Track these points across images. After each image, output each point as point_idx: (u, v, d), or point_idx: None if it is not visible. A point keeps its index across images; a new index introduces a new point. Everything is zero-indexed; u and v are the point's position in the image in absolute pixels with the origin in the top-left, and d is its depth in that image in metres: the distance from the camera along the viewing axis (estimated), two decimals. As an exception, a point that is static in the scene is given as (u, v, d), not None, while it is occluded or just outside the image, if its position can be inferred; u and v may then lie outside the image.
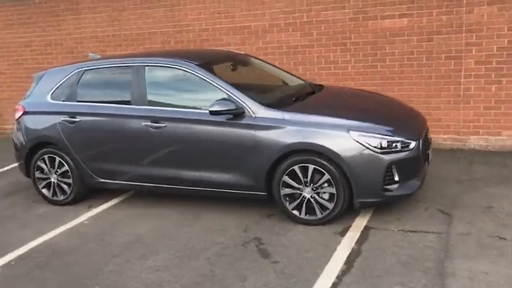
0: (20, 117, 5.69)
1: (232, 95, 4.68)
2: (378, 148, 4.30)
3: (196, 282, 3.75)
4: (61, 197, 5.57)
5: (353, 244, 4.16)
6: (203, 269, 3.95)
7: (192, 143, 4.83)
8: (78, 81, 5.41)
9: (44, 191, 5.65)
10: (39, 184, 5.65)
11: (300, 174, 4.48)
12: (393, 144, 4.35)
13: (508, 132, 6.51)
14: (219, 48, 7.54)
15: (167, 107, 4.97)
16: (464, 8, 6.45)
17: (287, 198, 4.61)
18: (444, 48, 6.63)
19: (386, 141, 4.33)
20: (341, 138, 4.34)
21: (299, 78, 6.03)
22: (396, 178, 4.39)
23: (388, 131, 4.43)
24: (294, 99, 5.01)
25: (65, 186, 5.52)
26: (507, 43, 6.34)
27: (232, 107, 4.58)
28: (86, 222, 5.14)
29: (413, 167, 4.51)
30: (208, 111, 4.68)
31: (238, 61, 5.60)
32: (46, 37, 9.22)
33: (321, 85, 5.78)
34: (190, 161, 4.88)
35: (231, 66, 5.39)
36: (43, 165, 5.56)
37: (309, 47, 7.33)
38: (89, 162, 5.33)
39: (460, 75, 6.62)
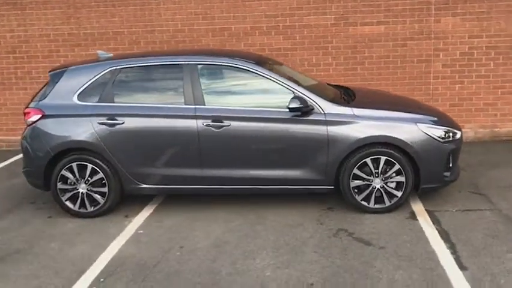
0: (36, 121, 5.00)
1: (299, 93, 4.80)
2: (441, 138, 4.81)
3: (332, 273, 3.82)
4: (91, 209, 5.05)
5: (432, 226, 4.59)
6: (322, 261, 4.02)
7: (259, 140, 4.82)
8: (113, 81, 4.97)
9: (68, 203, 5.05)
10: (63, 196, 5.04)
11: (371, 166, 4.78)
12: (447, 135, 4.88)
13: (469, 125, 7.58)
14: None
15: (229, 106, 4.87)
16: (432, 18, 7.37)
17: (355, 190, 4.86)
18: (416, 53, 7.49)
19: (443, 131, 4.86)
20: (411, 130, 4.75)
21: (312, 78, 6.29)
22: (451, 165, 4.94)
23: (442, 122, 4.97)
24: (342, 97, 5.28)
25: (97, 196, 5.02)
26: (468, 49, 7.42)
27: (305, 104, 4.70)
28: (141, 232, 4.76)
29: (458, 154, 5.12)
30: (274, 109, 4.83)
31: (270, 61, 5.65)
32: (-23, 34, 8.05)
33: (337, 85, 6.12)
34: (257, 159, 4.86)
35: (271, 66, 5.43)
36: (69, 175, 4.98)
37: (292, 50, 7.63)
38: (132, 168, 4.94)
39: (429, 77, 7.53)
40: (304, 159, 4.83)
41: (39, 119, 5.00)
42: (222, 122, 4.80)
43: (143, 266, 4.07)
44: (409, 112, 4.94)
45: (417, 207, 5.03)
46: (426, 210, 4.95)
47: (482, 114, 7.54)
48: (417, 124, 4.78)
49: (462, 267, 3.82)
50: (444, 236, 4.37)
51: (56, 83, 5.07)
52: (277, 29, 7.60)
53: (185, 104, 4.87)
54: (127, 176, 4.97)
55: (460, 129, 5.08)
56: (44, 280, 3.92)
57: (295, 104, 4.65)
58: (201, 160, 4.88)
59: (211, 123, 4.80)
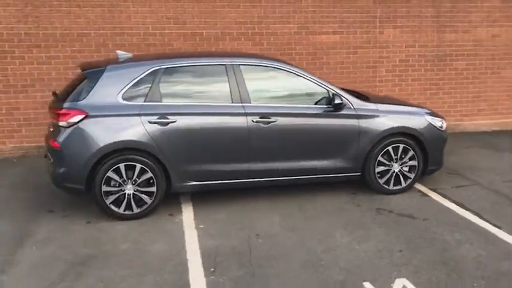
0: (78, 122, 4.77)
1: (334, 91, 5.40)
2: (440, 128, 5.80)
3: (407, 240, 4.48)
4: (137, 210, 4.98)
5: (445, 200, 5.53)
6: (392, 233, 4.65)
7: (303, 134, 5.29)
8: (159, 81, 5.00)
9: (112, 206, 4.92)
10: (107, 199, 4.89)
11: (392, 153, 5.57)
12: (440, 124, 5.91)
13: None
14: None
15: (273, 103, 5.26)
16: (377, 30, 8.53)
17: (378, 175, 5.61)
18: (365, 60, 8.57)
19: (440, 122, 5.86)
20: (422, 121, 5.66)
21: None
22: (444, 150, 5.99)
23: (436, 114, 5.98)
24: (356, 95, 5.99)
25: (144, 196, 4.97)
26: (405, 57, 8.74)
27: (341, 100, 5.33)
28: (202, 226, 4.87)
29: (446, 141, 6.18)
30: (312, 106, 5.42)
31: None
32: None
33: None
34: (300, 152, 5.31)
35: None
36: (115, 176, 4.86)
37: (260, 55, 8.14)
38: (183, 165, 5.01)
39: (375, 80, 8.68)
40: (339, 150, 5.42)
41: (81, 120, 4.79)
42: (269, 118, 5.16)
43: (240, 254, 4.26)
44: (416, 106, 5.87)
45: (421, 187, 5.95)
46: (430, 189, 5.89)
47: (416, 112, 8.88)
48: (425, 116, 5.72)
49: (497, 226, 4.79)
50: (462, 206, 5.33)
51: (96, 82, 4.90)
52: (247, 35, 8.05)
53: (233, 102, 5.12)
54: (176, 174, 5.02)
55: (444, 120, 6.15)
56: (154, 277, 3.89)
57: (338, 100, 5.24)
58: (249, 155, 5.17)
59: (260, 120, 5.13)
